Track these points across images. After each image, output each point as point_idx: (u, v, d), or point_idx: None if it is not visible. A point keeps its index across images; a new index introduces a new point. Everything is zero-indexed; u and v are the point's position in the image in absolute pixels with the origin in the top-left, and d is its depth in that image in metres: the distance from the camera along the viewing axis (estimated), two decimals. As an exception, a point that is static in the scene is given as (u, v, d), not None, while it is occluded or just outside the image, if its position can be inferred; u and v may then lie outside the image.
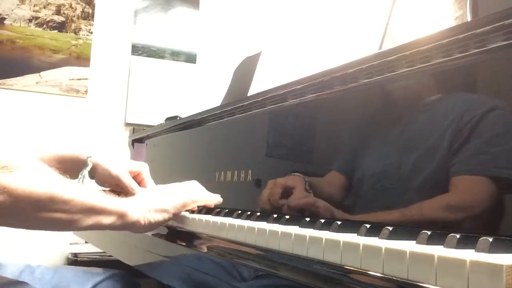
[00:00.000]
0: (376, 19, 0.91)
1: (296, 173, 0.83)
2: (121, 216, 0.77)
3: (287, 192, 0.83)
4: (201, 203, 0.94)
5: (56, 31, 2.41)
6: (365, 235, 0.57)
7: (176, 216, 0.88)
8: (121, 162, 1.03)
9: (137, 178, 1.03)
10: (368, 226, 0.58)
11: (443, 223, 0.57)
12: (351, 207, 0.72)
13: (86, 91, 2.43)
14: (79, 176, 0.96)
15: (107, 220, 0.75)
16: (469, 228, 0.54)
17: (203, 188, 0.96)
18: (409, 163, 0.63)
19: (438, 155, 0.59)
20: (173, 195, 0.88)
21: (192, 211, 0.98)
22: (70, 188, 0.71)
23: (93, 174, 0.99)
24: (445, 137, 0.59)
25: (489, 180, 0.54)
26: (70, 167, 0.97)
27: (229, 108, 1.07)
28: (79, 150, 0.98)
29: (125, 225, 0.79)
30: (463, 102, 0.59)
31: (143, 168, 1.05)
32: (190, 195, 0.90)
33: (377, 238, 0.54)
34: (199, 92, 2.54)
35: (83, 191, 0.73)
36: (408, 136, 0.65)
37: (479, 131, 0.55)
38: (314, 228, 0.64)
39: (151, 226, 0.82)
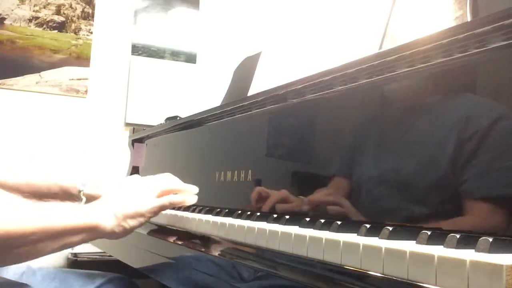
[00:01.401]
0: (376, 19, 0.91)
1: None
2: (92, 229, 0.72)
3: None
4: (179, 204, 0.89)
5: (56, 31, 2.41)
6: (365, 235, 0.57)
7: (152, 217, 0.83)
8: (114, 183, 0.98)
9: None
10: (368, 226, 0.58)
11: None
12: (350, 210, 0.72)
13: (86, 91, 2.43)
14: None
15: (77, 237, 0.71)
16: (469, 228, 0.54)
17: (178, 181, 0.90)
18: (410, 169, 0.62)
19: (442, 164, 0.58)
20: (149, 198, 0.82)
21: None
22: (30, 219, 0.66)
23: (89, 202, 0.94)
24: (448, 145, 0.58)
25: (498, 200, 0.52)
26: (61, 197, 0.91)
27: (229, 108, 1.07)
28: (72, 180, 0.91)
29: (100, 237, 0.75)
30: (465, 108, 0.58)
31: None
32: (166, 199, 0.84)
33: (377, 238, 0.54)
34: (199, 92, 2.54)
35: (46, 217, 0.68)
36: (409, 140, 0.65)
37: (486, 146, 0.54)
38: (314, 228, 0.64)
39: (126, 232, 0.78)
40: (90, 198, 0.92)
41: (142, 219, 0.80)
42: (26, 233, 0.64)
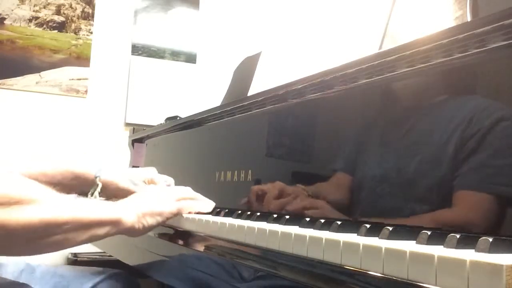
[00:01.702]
0: (376, 19, 0.91)
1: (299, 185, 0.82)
2: (115, 223, 0.77)
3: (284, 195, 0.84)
4: (195, 211, 0.93)
5: (56, 31, 2.41)
6: (365, 235, 0.57)
7: (170, 219, 0.88)
8: (129, 173, 1.01)
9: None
10: (368, 226, 0.58)
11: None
12: (349, 210, 0.72)
13: (86, 91, 2.43)
14: (89, 196, 0.94)
15: (102, 230, 0.75)
16: (469, 228, 0.54)
17: (198, 194, 0.95)
18: (410, 169, 0.62)
19: (442, 163, 0.58)
20: (168, 201, 0.87)
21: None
22: (64, 209, 0.69)
23: (102, 191, 0.97)
24: (449, 144, 0.58)
25: (492, 196, 0.53)
26: (76, 184, 0.94)
27: (229, 108, 1.07)
28: (86, 167, 0.95)
29: (120, 232, 0.78)
30: (469, 108, 0.58)
31: (153, 174, 1.04)
32: (185, 203, 0.89)
33: (377, 238, 0.54)
34: (199, 92, 2.54)
35: (77, 208, 0.72)
36: (409, 139, 0.65)
37: (486, 144, 0.54)
38: (314, 228, 0.64)
39: (145, 229, 0.82)
40: (105, 185, 0.94)
41: (159, 219, 0.84)
42: (59, 222, 0.67)
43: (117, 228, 0.77)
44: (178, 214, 0.88)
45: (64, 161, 0.94)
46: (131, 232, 0.80)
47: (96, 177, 0.93)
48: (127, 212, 0.79)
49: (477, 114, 0.57)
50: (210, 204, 0.95)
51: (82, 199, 0.78)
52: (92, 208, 0.74)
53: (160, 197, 0.87)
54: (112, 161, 2.28)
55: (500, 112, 0.54)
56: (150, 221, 0.82)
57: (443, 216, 0.57)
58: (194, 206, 0.91)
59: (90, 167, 0.94)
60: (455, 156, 0.57)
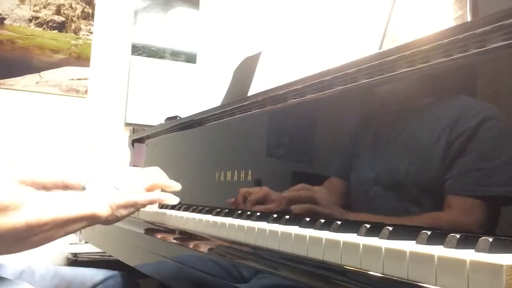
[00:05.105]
0: (376, 19, 0.91)
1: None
2: (91, 218, 0.81)
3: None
4: (164, 202, 0.98)
5: (56, 31, 2.41)
6: (365, 235, 0.57)
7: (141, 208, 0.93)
8: (115, 179, 1.02)
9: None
10: (368, 226, 0.58)
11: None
12: (349, 209, 0.72)
13: (86, 91, 2.43)
14: None
15: (78, 225, 0.80)
16: (469, 228, 0.54)
17: (165, 176, 1.01)
18: (411, 169, 0.63)
19: (431, 164, 0.59)
20: (139, 191, 0.92)
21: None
22: (46, 211, 0.74)
23: None
24: (438, 145, 0.58)
25: (483, 199, 0.53)
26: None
27: (229, 108, 1.07)
28: (77, 178, 0.99)
29: (95, 223, 0.84)
30: (457, 108, 0.59)
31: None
32: (156, 194, 0.95)
33: (377, 238, 0.54)
34: (199, 92, 2.54)
35: (56, 207, 0.77)
36: (409, 139, 0.65)
37: (473, 145, 0.55)
38: (314, 228, 0.64)
39: (117, 220, 0.87)
40: None
41: (132, 209, 0.89)
42: (41, 223, 0.73)
43: (92, 221, 0.82)
44: (149, 205, 0.94)
45: (56, 171, 1.00)
46: (105, 223, 0.86)
47: (84, 189, 0.97)
48: (101, 206, 0.83)
49: (464, 114, 0.57)
50: (177, 188, 1.01)
51: (61, 195, 0.85)
52: (69, 207, 0.79)
53: (131, 188, 0.92)
54: (111, 162, 2.29)
55: (486, 112, 0.55)
56: (123, 212, 0.87)
57: (439, 218, 0.57)
58: (162, 197, 0.96)
59: (80, 178, 0.99)
60: (444, 158, 0.57)
